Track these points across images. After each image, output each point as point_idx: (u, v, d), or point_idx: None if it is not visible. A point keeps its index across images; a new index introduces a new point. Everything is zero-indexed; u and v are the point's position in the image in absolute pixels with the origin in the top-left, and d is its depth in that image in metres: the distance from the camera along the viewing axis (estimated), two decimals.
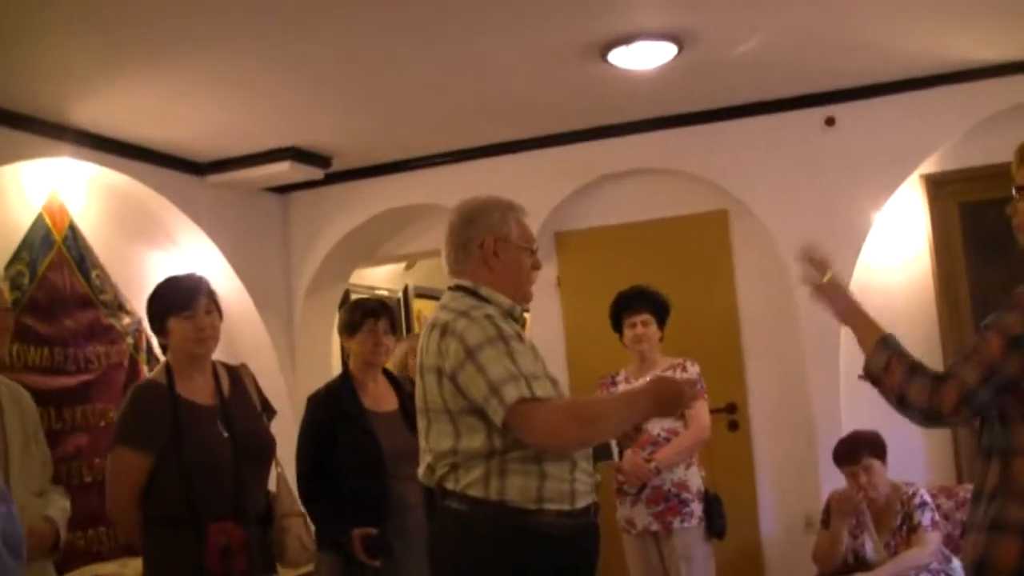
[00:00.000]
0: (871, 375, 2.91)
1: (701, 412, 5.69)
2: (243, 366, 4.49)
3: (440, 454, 3.29)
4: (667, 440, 5.59)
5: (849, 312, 3.09)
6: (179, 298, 4.14)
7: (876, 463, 5.50)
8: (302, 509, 4.46)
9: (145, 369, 6.32)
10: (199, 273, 4.42)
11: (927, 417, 2.75)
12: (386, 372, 5.12)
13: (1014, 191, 2.92)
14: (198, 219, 7.02)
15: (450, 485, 3.28)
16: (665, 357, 5.84)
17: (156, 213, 6.95)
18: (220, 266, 7.14)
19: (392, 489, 4.72)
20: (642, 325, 5.76)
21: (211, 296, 4.22)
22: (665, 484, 5.54)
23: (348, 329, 5.03)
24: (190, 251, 7.17)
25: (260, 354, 7.37)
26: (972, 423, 2.80)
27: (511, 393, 3.12)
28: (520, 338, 3.32)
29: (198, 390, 4.15)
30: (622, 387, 5.77)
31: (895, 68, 6.25)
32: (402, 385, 5.08)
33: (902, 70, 6.28)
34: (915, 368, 2.80)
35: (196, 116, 6.15)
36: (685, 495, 5.57)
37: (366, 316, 4.97)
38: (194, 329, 4.10)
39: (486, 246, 3.45)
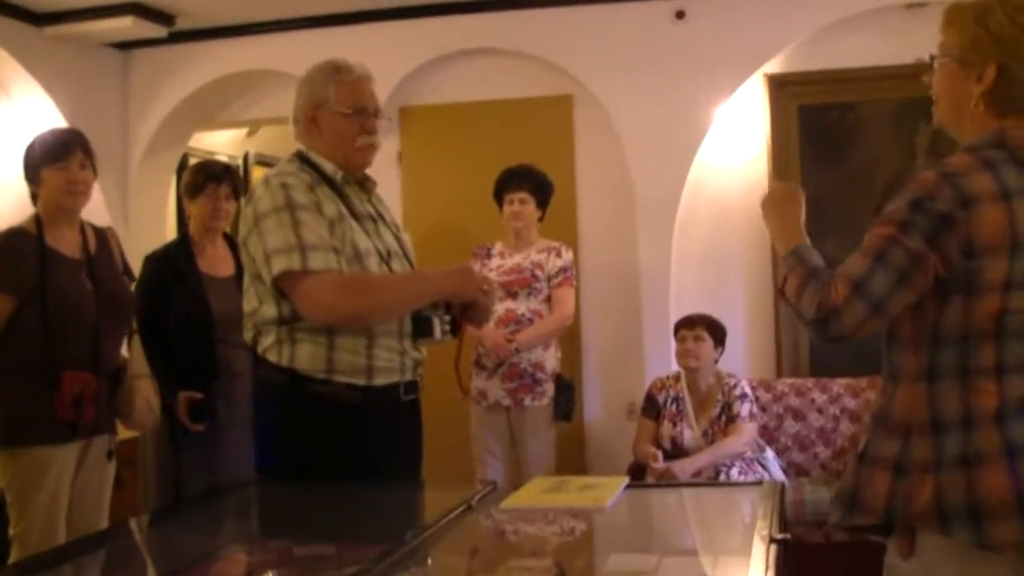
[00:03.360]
0: (779, 289, 2.57)
1: (567, 298, 5.89)
2: (109, 229, 4.57)
3: (247, 315, 3.39)
4: (530, 321, 5.73)
5: (780, 212, 2.73)
6: (54, 149, 4.18)
7: (709, 341, 5.72)
8: (149, 371, 4.47)
9: None
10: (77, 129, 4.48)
11: (821, 323, 2.37)
12: (227, 237, 5.10)
13: (933, 59, 2.56)
14: (34, 70, 6.78)
15: (258, 349, 3.37)
16: (543, 239, 5.98)
17: None
18: (56, 121, 6.90)
19: (220, 354, 4.75)
20: (519, 203, 5.88)
21: (87, 152, 4.25)
22: (522, 363, 5.71)
23: (190, 191, 4.99)
24: (24, 103, 6.94)
25: (93, 213, 7.09)
26: (874, 325, 2.39)
27: (277, 265, 3.19)
28: (318, 208, 3.29)
29: (66, 242, 4.22)
30: (496, 260, 5.94)
31: None
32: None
33: None
34: (813, 273, 2.46)
35: None
36: (539, 375, 5.74)
37: (208, 180, 4.94)
38: (66, 181, 4.17)
39: (305, 115, 3.47)
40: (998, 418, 2.31)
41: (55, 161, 4.15)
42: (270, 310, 3.29)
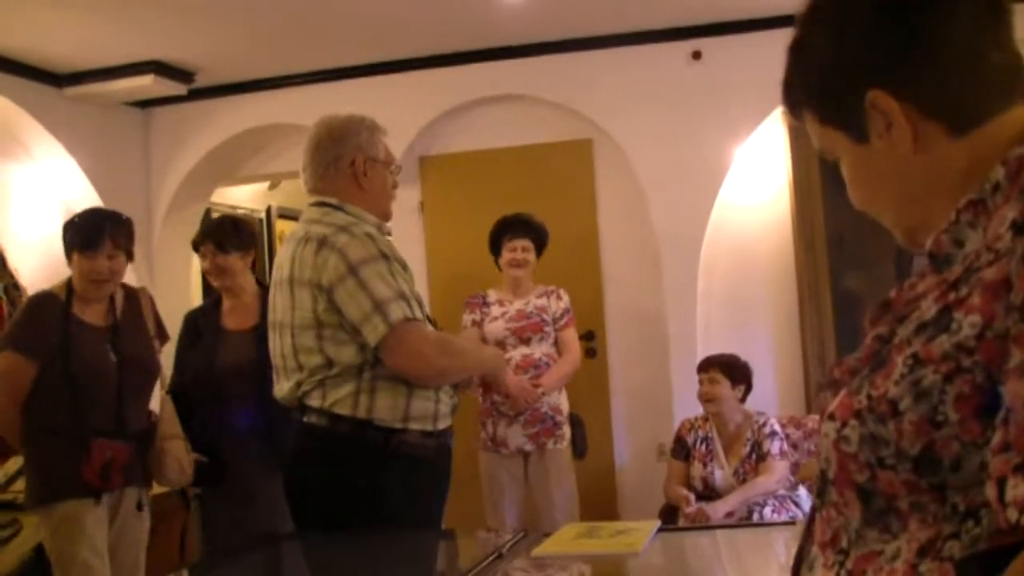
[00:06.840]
0: None
1: (575, 338, 5.92)
2: (143, 290, 4.61)
3: (311, 370, 3.29)
4: (547, 365, 5.72)
5: None
6: (85, 235, 4.23)
7: (725, 382, 5.67)
8: (181, 432, 4.46)
9: None
10: (122, 214, 4.44)
11: None
12: (262, 285, 4.97)
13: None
14: (55, 131, 6.83)
15: (315, 402, 3.29)
16: (537, 284, 5.98)
17: (10, 123, 6.75)
18: (78, 181, 6.98)
19: (231, 409, 4.64)
20: (522, 251, 5.88)
21: (117, 240, 4.27)
22: (543, 407, 5.69)
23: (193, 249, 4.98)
24: (46, 164, 6.99)
25: None
26: None
27: (396, 312, 3.15)
28: (395, 257, 3.32)
29: (92, 311, 4.29)
30: (494, 308, 5.89)
31: (762, 5, 6.30)
32: None
33: (768, 7, 6.34)
34: None
35: (56, 25, 5.97)
36: (558, 418, 5.75)
37: (202, 239, 4.87)
38: (91, 271, 4.22)
39: (357, 165, 3.44)
40: None
41: (84, 249, 4.20)
42: (351, 357, 3.24)
